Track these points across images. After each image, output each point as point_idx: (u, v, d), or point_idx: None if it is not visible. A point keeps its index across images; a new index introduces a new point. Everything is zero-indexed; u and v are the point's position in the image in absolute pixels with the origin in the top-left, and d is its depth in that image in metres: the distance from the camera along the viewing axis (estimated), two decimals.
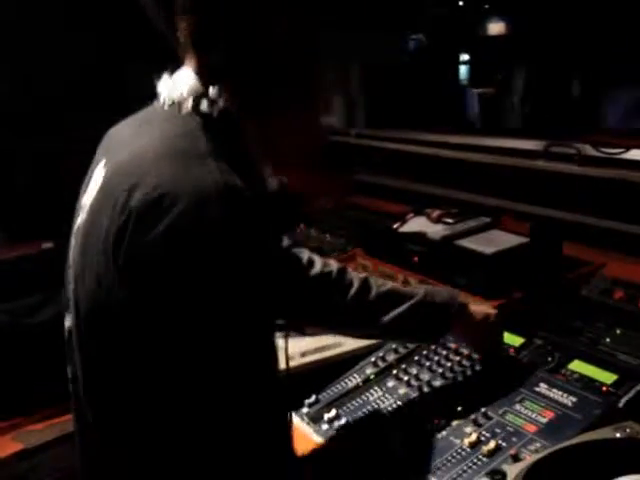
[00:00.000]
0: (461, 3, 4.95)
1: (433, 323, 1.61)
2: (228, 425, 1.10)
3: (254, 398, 1.11)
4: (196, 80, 1.19)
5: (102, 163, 1.23)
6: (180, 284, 1.04)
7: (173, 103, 1.19)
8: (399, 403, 1.66)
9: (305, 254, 1.67)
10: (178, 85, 1.20)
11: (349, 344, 2.00)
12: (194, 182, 1.05)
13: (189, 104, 1.17)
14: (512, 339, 1.79)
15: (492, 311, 1.69)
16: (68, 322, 1.27)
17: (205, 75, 1.19)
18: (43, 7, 2.99)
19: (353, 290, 1.59)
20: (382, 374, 1.78)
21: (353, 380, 1.78)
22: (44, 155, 3.11)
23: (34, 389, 1.98)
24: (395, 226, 2.45)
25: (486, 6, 4.96)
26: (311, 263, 1.65)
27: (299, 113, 1.29)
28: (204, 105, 1.17)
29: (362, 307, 1.59)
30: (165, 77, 1.23)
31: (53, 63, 3.03)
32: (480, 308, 1.68)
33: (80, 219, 1.24)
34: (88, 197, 1.23)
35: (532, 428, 1.47)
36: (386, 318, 1.57)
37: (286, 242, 1.64)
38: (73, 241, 1.26)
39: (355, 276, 1.63)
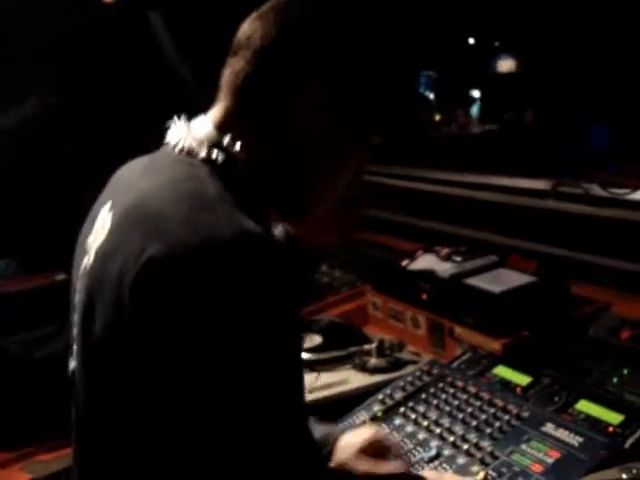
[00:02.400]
0: (472, 41, 5.02)
1: None
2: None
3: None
4: (212, 128, 1.18)
5: (108, 205, 1.21)
6: (196, 341, 1.01)
7: (183, 148, 1.18)
8: (406, 441, 1.67)
9: None
10: (194, 131, 1.19)
11: (357, 381, 2.01)
12: (207, 233, 1.02)
13: (202, 151, 1.16)
14: (519, 378, 1.80)
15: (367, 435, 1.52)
16: (72, 364, 1.26)
17: (228, 124, 1.19)
18: None
19: None
20: (389, 412, 1.79)
21: (360, 417, 1.79)
22: (60, 184, 3.14)
23: (43, 420, 2.00)
24: (404, 263, 2.47)
25: (496, 44, 5.02)
26: None
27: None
28: (214, 153, 1.15)
29: None
30: (180, 123, 1.22)
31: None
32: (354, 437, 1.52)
33: (86, 262, 1.21)
34: (94, 240, 1.20)
35: (538, 468, 1.47)
36: None
37: None
38: (78, 285, 1.23)
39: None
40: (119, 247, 1.11)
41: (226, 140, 1.17)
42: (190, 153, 1.17)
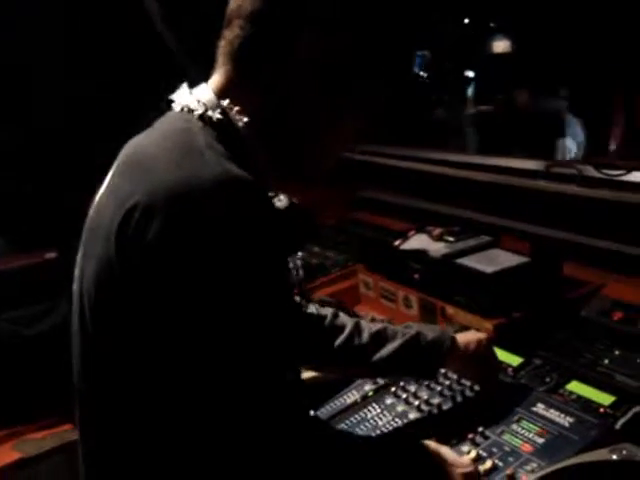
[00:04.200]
0: (467, 21, 4.98)
1: (425, 360, 1.62)
2: (234, 432, 1.10)
3: (261, 403, 1.11)
4: (213, 94, 1.22)
5: (113, 166, 1.26)
6: (181, 283, 1.04)
7: (183, 108, 1.21)
8: (397, 420, 1.66)
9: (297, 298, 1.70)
10: (194, 95, 1.23)
11: None
12: (191, 178, 1.05)
13: (199, 109, 1.19)
14: (511, 358, 1.80)
15: (482, 336, 1.68)
16: (75, 325, 1.26)
17: (226, 90, 1.22)
18: None
19: (345, 333, 1.63)
20: (380, 391, 1.79)
21: (351, 396, 1.79)
22: (50, 163, 3.12)
23: (34, 398, 1.99)
24: (397, 243, 2.46)
25: (491, 24, 4.99)
26: (304, 306, 1.68)
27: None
28: (210, 111, 1.19)
29: (353, 349, 1.62)
30: (183, 87, 1.26)
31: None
32: (471, 337, 1.67)
33: (88, 217, 1.26)
34: (98, 196, 1.25)
35: (529, 448, 1.47)
36: (377, 357, 1.60)
37: None
38: (81, 243, 1.26)
39: (347, 320, 1.67)
40: (112, 195, 1.16)
41: (225, 103, 1.20)
42: (189, 112, 1.21)
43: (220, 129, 1.17)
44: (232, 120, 1.19)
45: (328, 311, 1.69)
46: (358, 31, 1.21)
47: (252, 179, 1.09)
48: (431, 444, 1.39)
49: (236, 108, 1.19)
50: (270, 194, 1.32)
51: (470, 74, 5.08)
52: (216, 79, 1.25)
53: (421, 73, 4.24)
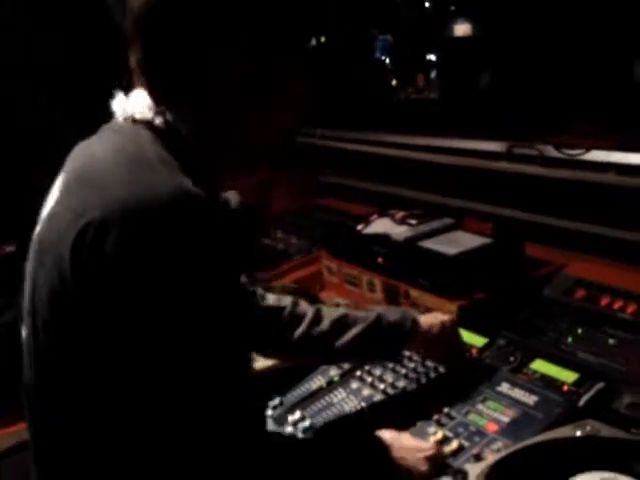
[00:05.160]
0: (427, 4, 4.98)
1: (387, 342, 1.63)
2: (187, 435, 1.10)
3: (226, 401, 1.12)
4: (149, 99, 1.20)
5: (61, 176, 1.25)
6: (137, 297, 1.04)
7: (127, 117, 1.21)
8: (363, 404, 1.66)
9: (258, 290, 1.72)
10: (132, 101, 1.21)
11: None
12: (146, 193, 1.05)
13: (144, 117, 1.18)
14: (475, 339, 1.81)
15: (446, 318, 1.69)
16: (24, 332, 1.25)
17: (156, 97, 1.21)
18: None
19: (305, 322, 1.63)
20: (346, 376, 1.78)
21: (317, 382, 1.78)
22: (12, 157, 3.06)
23: None
24: (359, 227, 2.46)
25: (452, 8, 4.99)
26: (263, 297, 1.69)
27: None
28: (154, 119, 1.18)
29: (313, 337, 1.62)
30: (120, 95, 1.24)
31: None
32: (434, 319, 1.67)
33: (37, 229, 1.24)
34: (46, 209, 1.23)
35: (494, 427, 1.48)
36: (339, 343, 1.61)
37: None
38: (30, 253, 1.25)
39: (307, 308, 1.67)
40: (62, 210, 1.15)
41: (161, 109, 1.19)
42: (133, 121, 1.20)
43: (166, 136, 1.17)
44: (175, 126, 1.18)
45: (288, 301, 1.68)
46: (268, 40, 1.21)
47: (203, 193, 1.09)
48: (386, 434, 1.38)
49: (168, 113, 1.19)
50: (221, 196, 1.34)
51: (433, 58, 5.08)
52: (141, 89, 1.23)
53: (383, 57, 4.23)
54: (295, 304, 1.68)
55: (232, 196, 1.53)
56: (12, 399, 1.30)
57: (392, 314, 1.63)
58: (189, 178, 1.09)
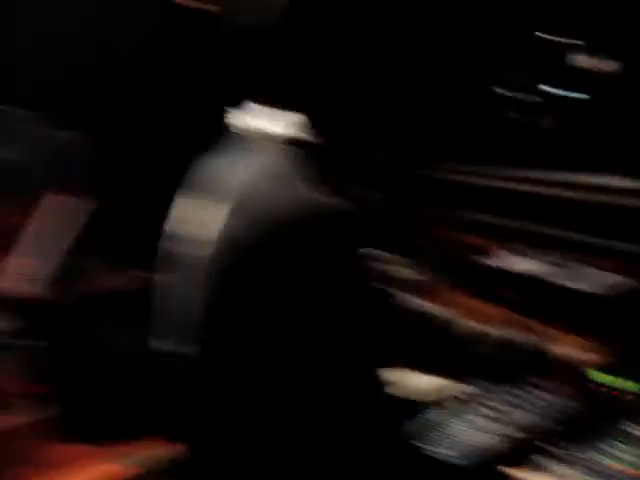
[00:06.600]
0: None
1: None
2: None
3: None
4: (296, 118, 1.23)
5: (211, 200, 1.29)
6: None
7: (270, 136, 1.24)
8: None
9: None
10: (278, 120, 1.24)
11: None
12: (289, 208, 1.12)
13: (285, 137, 1.22)
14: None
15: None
16: None
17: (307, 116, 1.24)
18: None
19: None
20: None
21: None
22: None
23: (144, 413, 2.02)
24: (480, 260, 2.45)
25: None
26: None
27: None
28: (298, 136, 1.22)
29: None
30: (240, 113, 1.28)
31: None
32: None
33: (200, 253, 1.28)
34: (207, 233, 1.27)
35: None
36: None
37: None
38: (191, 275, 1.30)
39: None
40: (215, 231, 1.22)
41: (307, 127, 1.23)
42: (276, 139, 1.24)
43: (303, 151, 1.21)
44: (308, 140, 1.22)
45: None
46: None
47: (343, 204, 1.13)
48: None
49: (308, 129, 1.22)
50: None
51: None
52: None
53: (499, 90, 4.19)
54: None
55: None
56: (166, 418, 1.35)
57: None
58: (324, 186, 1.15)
